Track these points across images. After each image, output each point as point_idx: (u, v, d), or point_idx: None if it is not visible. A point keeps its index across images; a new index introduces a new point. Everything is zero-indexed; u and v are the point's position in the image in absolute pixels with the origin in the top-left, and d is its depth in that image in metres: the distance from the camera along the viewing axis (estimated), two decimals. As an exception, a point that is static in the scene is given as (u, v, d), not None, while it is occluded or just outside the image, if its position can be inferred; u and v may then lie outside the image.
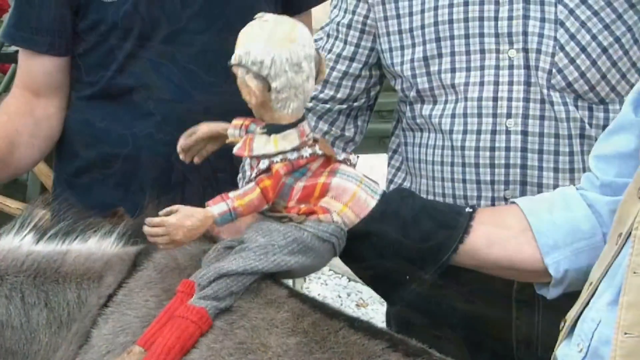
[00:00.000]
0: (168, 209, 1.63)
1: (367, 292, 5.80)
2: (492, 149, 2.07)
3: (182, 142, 1.85)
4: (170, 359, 1.60)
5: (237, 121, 1.76)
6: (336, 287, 5.86)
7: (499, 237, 1.79)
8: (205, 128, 1.83)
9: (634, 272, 1.44)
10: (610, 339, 1.46)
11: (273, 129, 1.65)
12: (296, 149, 1.66)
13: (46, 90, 2.42)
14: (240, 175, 2.24)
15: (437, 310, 2.08)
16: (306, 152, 1.67)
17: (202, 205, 1.65)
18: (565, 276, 1.77)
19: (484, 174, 2.08)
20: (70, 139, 2.52)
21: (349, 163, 1.73)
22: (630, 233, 1.49)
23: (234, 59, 1.63)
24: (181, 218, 1.60)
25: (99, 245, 1.93)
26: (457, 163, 2.10)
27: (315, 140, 1.70)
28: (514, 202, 1.85)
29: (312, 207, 1.67)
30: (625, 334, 1.43)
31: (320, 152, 1.68)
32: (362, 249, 1.74)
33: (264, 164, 1.64)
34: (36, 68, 2.41)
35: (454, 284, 1.95)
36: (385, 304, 5.66)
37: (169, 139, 2.39)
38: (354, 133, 2.36)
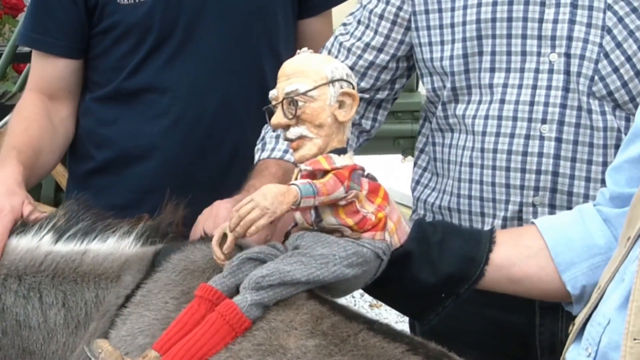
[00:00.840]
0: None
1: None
2: (525, 153, 2.05)
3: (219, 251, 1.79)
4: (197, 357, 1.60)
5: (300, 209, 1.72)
6: (349, 287, 5.86)
7: (517, 257, 1.81)
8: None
9: None
10: (619, 344, 1.45)
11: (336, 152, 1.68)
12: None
13: (60, 93, 2.42)
14: (258, 146, 2.21)
15: (461, 316, 2.07)
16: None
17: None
18: (584, 291, 1.78)
19: (514, 178, 2.06)
20: (84, 140, 2.52)
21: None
22: (638, 237, 1.49)
23: (324, 77, 1.64)
24: (265, 187, 1.60)
25: (118, 246, 1.93)
26: (487, 166, 2.08)
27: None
28: (532, 223, 1.87)
29: (382, 217, 1.68)
30: (635, 339, 1.43)
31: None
32: (401, 272, 1.75)
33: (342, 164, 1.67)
34: (50, 71, 2.41)
35: (477, 291, 1.94)
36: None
37: (181, 141, 2.40)
38: (370, 125, 2.33)
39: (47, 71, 2.42)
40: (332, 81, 1.64)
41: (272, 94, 1.67)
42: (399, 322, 5.35)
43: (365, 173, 1.70)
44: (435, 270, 1.77)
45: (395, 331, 1.62)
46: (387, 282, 1.76)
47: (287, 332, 1.60)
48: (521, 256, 1.80)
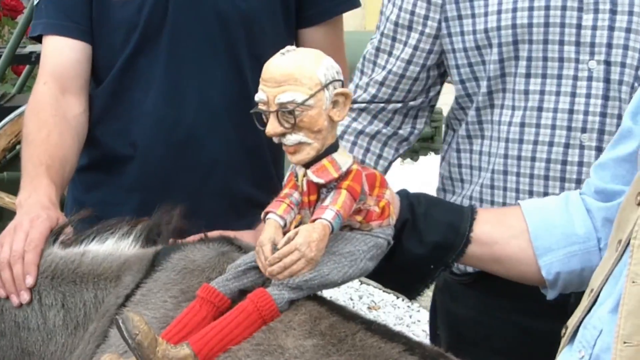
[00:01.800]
0: (285, 237, 1.61)
1: (379, 295, 5.80)
2: (564, 162, 2.02)
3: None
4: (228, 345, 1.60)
5: (282, 208, 1.70)
6: (348, 289, 5.87)
7: (500, 236, 1.82)
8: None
9: (633, 282, 1.45)
10: (611, 346, 1.46)
11: (332, 147, 1.66)
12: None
13: (75, 82, 2.38)
14: None
15: (488, 322, 2.06)
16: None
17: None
18: (558, 278, 1.80)
19: (553, 187, 2.03)
20: None
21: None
22: (629, 241, 1.50)
23: (319, 83, 1.60)
24: (307, 235, 1.59)
25: (117, 246, 1.93)
26: (525, 174, 2.06)
27: None
28: (518, 204, 1.87)
29: (384, 204, 1.68)
30: (625, 343, 1.44)
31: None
32: (393, 246, 1.75)
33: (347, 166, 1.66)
34: (66, 54, 2.37)
35: (506, 297, 1.93)
36: (396, 306, 5.66)
37: (163, 141, 2.41)
38: (409, 132, 2.28)
39: (65, 55, 2.38)
40: (326, 85, 1.61)
41: (261, 98, 1.62)
42: (397, 324, 5.37)
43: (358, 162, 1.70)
44: (422, 240, 1.77)
45: (392, 331, 1.63)
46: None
47: (286, 332, 1.61)
48: (504, 235, 1.81)
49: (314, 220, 1.60)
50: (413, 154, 4.88)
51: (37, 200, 2.07)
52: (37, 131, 2.30)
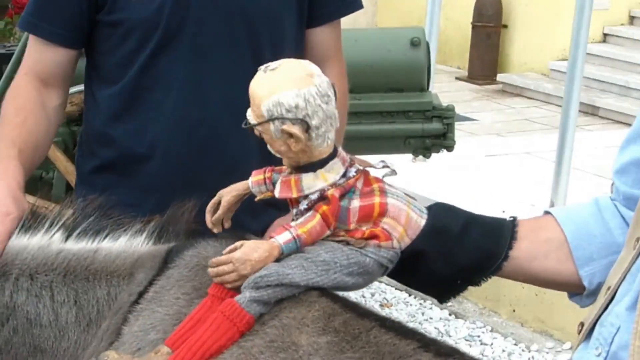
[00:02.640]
0: (232, 246, 1.63)
1: (391, 293, 5.79)
2: None
3: (210, 218, 1.80)
4: (204, 358, 1.61)
5: (256, 177, 1.74)
6: (360, 287, 5.86)
7: (538, 251, 1.79)
8: (228, 197, 1.78)
9: None
10: (628, 343, 1.45)
11: (312, 166, 1.65)
12: (343, 174, 1.66)
13: (55, 80, 2.41)
14: None
15: None
16: (351, 172, 1.67)
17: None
18: (598, 288, 1.76)
19: None
20: (90, 137, 2.52)
21: (389, 171, 1.72)
22: None
23: (262, 116, 1.61)
24: (247, 252, 1.59)
25: (130, 243, 1.93)
26: None
27: (352, 159, 1.70)
28: (549, 213, 1.84)
29: (374, 231, 1.66)
30: None
31: (361, 168, 1.68)
32: (415, 265, 1.73)
33: (314, 195, 1.64)
34: (49, 57, 2.39)
35: None
36: (409, 304, 5.65)
37: (184, 140, 2.40)
38: None
39: (46, 57, 2.40)
40: (270, 120, 1.61)
41: None
42: (409, 322, 5.36)
43: (354, 173, 1.67)
44: (451, 263, 1.75)
45: (406, 328, 1.62)
46: (401, 271, 1.75)
47: (299, 329, 1.60)
48: (541, 250, 1.78)
49: (271, 237, 1.63)
50: (425, 151, 4.87)
51: (6, 185, 2.06)
52: (14, 115, 2.33)
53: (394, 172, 1.72)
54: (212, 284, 1.68)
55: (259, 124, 1.62)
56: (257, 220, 2.27)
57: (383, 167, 1.71)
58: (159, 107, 2.41)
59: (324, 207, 1.61)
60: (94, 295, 1.88)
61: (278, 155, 1.67)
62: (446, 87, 10.29)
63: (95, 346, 1.82)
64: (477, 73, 10.93)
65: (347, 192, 1.64)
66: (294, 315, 1.63)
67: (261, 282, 1.63)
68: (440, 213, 1.78)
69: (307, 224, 1.61)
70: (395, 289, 5.81)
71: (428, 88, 4.86)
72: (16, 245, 1.99)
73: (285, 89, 1.61)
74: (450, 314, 5.51)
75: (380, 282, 5.89)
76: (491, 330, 5.33)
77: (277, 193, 1.66)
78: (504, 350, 5.11)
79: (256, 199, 1.75)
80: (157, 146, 2.42)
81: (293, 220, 1.66)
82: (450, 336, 5.25)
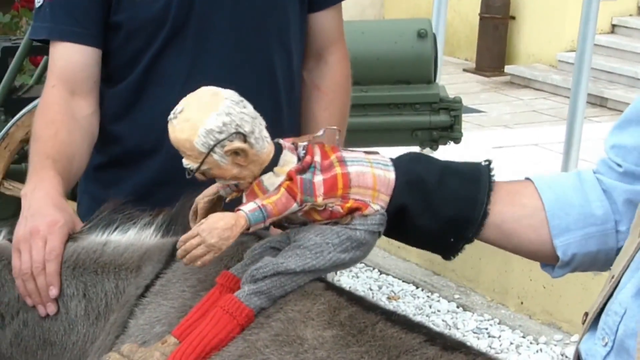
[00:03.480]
0: (199, 222, 1.63)
1: (399, 285, 5.79)
2: None
3: (193, 225, 1.79)
4: (205, 352, 1.61)
5: (219, 182, 1.74)
6: (367, 280, 5.86)
7: (512, 215, 1.77)
8: (201, 204, 1.77)
9: None
10: (635, 331, 1.44)
11: (267, 170, 1.65)
12: (297, 159, 1.66)
13: (84, 85, 2.36)
14: None
15: None
16: (301, 151, 1.67)
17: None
18: (573, 259, 1.76)
19: None
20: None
21: (336, 135, 1.72)
22: None
23: (201, 153, 1.61)
24: (213, 221, 1.59)
25: (138, 237, 1.93)
26: None
27: (294, 142, 1.70)
28: (529, 179, 1.82)
29: (349, 207, 1.66)
30: None
31: (307, 143, 1.68)
32: (400, 223, 1.72)
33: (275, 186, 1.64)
34: (77, 59, 2.35)
35: None
36: (416, 296, 5.66)
37: None
38: None
39: (74, 60, 2.36)
40: (209, 151, 1.61)
41: None
42: (417, 314, 5.36)
43: (303, 151, 1.67)
44: (435, 215, 1.72)
45: (413, 322, 1.62)
46: (393, 232, 1.74)
47: (304, 323, 1.60)
48: (515, 215, 1.77)
49: (244, 205, 1.62)
50: (432, 143, 4.86)
51: (45, 194, 2.04)
52: (45, 128, 2.28)
53: (339, 134, 1.72)
54: (220, 274, 1.68)
55: (203, 161, 1.61)
56: None
57: (323, 132, 1.71)
58: (165, 102, 2.39)
59: (286, 182, 1.61)
60: (103, 289, 1.89)
61: (233, 185, 1.66)
62: (454, 79, 10.27)
63: (102, 339, 1.82)
64: (484, 65, 10.91)
65: (307, 169, 1.64)
66: (299, 309, 1.62)
67: (257, 274, 1.63)
68: (412, 165, 1.75)
69: (272, 196, 1.61)
70: (403, 281, 5.81)
71: (435, 80, 4.85)
72: None
73: (204, 117, 1.62)
74: (457, 307, 5.51)
75: (388, 274, 5.89)
76: (499, 323, 5.33)
77: (244, 200, 1.66)
78: (511, 343, 5.11)
79: (226, 200, 1.75)
80: (164, 141, 2.41)
81: None
82: (457, 329, 5.25)
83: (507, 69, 10.78)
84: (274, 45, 2.43)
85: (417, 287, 5.74)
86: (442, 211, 1.73)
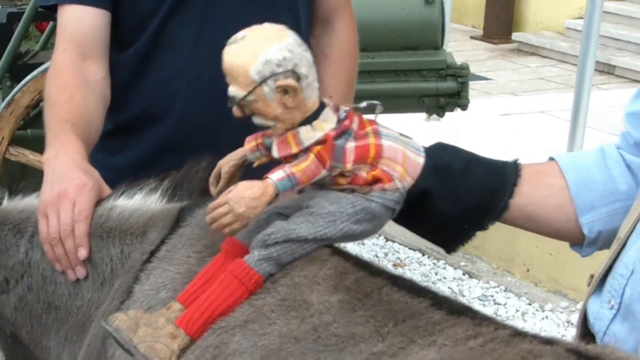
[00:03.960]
0: (227, 190, 1.61)
1: (404, 252, 5.79)
2: None
3: (214, 190, 1.77)
4: (212, 317, 1.61)
5: (249, 145, 1.72)
6: (373, 247, 5.86)
7: (537, 196, 1.77)
8: (226, 168, 1.75)
9: None
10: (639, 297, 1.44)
11: (307, 121, 1.63)
12: (337, 121, 1.64)
13: (95, 49, 2.33)
14: None
15: None
16: (342, 114, 1.65)
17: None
18: (599, 237, 1.75)
19: None
20: None
21: (376, 111, 1.70)
22: None
23: (253, 81, 1.58)
24: (241, 190, 1.58)
25: (144, 202, 1.92)
26: None
27: (336, 105, 1.68)
28: (553, 159, 1.82)
29: (375, 175, 1.64)
30: None
31: (348, 109, 1.67)
32: (419, 207, 1.71)
33: (311, 142, 1.62)
34: (88, 22, 2.32)
35: None
36: (422, 264, 5.65)
37: (199, 100, 2.38)
38: None
39: (84, 23, 2.33)
40: (263, 81, 1.58)
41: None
42: (423, 281, 5.37)
43: (344, 114, 1.65)
44: (457, 202, 1.73)
45: (419, 286, 1.61)
46: (409, 216, 1.73)
47: (310, 288, 1.60)
48: (541, 195, 1.77)
49: (273, 172, 1.60)
50: (439, 109, 4.85)
51: (69, 158, 2.02)
52: (60, 93, 2.26)
53: (380, 108, 1.70)
54: (225, 240, 1.67)
55: (252, 91, 1.59)
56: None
57: (368, 104, 1.70)
58: (172, 68, 2.39)
59: (318, 147, 1.60)
60: (108, 254, 1.88)
61: (269, 124, 1.63)
62: (461, 46, 10.22)
63: (107, 305, 1.82)
64: (492, 32, 10.86)
65: (343, 134, 1.63)
66: (305, 274, 1.62)
67: (269, 240, 1.62)
68: (440, 152, 1.76)
69: (301, 164, 1.60)
70: (409, 248, 5.81)
71: (442, 46, 4.83)
72: (32, 203, 1.99)
73: (267, 46, 1.59)
74: (464, 274, 5.51)
75: (394, 241, 5.89)
76: (505, 290, 5.33)
77: (275, 153, 1.64)
78: (517, 310, 5.12)
79: (254, 166, 1.73)
80: (172, 106, 2.40)
81: None
82: (463, 296, 5.26)
83: (515, 36, 10.73)
84: (281, 10, 2.41)
85: (423, 255, 5.74)
86: (465, 199, 1.74)
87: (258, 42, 1.60)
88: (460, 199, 1.73)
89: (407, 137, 1.72)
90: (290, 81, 1.58)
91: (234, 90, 1.62)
